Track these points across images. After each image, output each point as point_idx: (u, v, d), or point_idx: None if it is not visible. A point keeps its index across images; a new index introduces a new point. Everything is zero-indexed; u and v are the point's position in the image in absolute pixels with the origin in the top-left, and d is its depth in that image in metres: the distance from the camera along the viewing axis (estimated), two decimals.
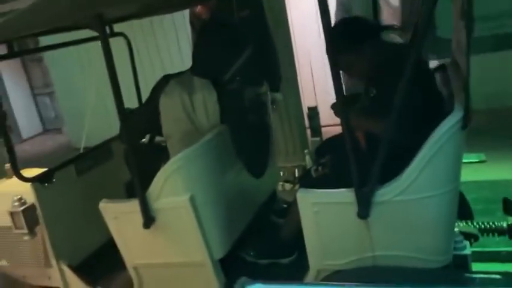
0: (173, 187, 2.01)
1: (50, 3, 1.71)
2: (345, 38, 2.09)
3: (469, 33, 1.57)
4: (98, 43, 1.82)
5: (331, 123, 5.51)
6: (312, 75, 6.16)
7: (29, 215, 2.43)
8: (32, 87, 9.92)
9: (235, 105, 2.22)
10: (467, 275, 1.80)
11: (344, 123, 1.60)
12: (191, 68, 2.32)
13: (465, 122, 1.57)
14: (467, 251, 1.87)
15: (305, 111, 4.71)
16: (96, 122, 5.51)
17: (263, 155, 2.32)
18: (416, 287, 1.65)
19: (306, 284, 1.92)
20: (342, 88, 1.59)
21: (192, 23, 3.57)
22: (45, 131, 9.94)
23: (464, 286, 1.69)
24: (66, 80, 7.43)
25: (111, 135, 3.02)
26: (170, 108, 2.23)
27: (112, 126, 2.82)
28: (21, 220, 2.43)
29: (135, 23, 3.18)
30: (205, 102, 2.17)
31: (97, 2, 1.65)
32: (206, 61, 2.26)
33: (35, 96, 9.96)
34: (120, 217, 2.17)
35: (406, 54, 1.55)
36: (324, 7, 1.47)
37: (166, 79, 2.29)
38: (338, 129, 2.29)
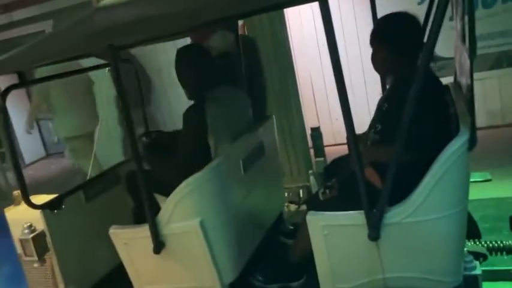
0: (183, 212, 2.02)
1: (65, 35, 1.76)
2: (394, 31, 2.03)
3: (472, 56, 1.60)
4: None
5: (333, 143, 5.57)
6: (314, 97, 6.22)
7: (38, 242, 2.43)
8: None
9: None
10: None
11: (356, 157, 1.61)
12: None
13: (471, 144, 1.59)
14: (478, 271, 1.88)
15: (308, 131, 4.74)
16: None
17: None
18: None
19: None
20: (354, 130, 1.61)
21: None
22: (48, 155, 9.95)
23: None
24: None
25: (115, 161, 3.05)
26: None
27: (115, 151, 2.85)
28: (31, 247, 2.44)
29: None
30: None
31: (111, 33, 1.69)
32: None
33: (37, 121, 10.00)
34: (130, 243, 2.18)
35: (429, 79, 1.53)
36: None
37: (198, 103, 2.31)
38: (340, 149, 2.32)
